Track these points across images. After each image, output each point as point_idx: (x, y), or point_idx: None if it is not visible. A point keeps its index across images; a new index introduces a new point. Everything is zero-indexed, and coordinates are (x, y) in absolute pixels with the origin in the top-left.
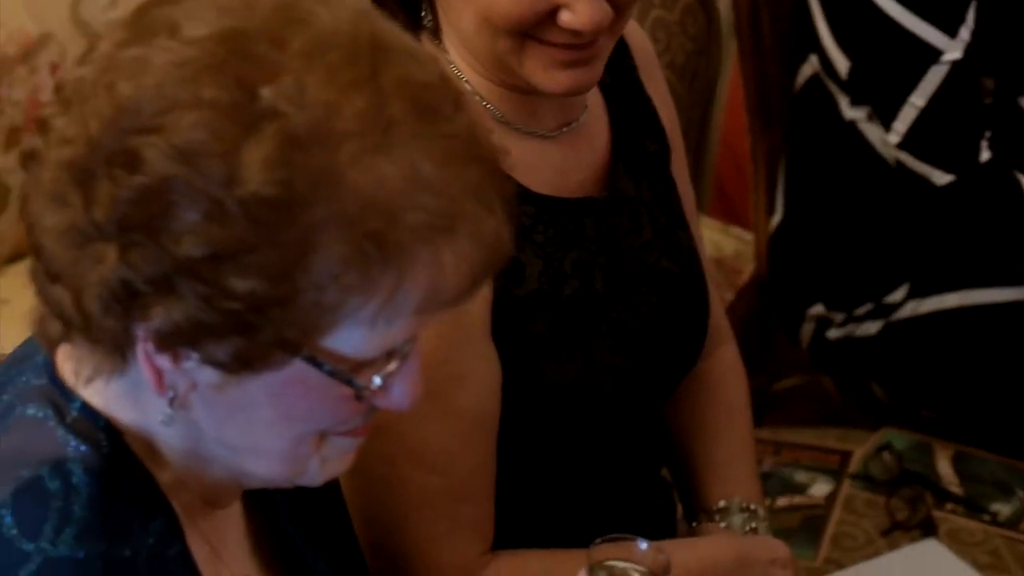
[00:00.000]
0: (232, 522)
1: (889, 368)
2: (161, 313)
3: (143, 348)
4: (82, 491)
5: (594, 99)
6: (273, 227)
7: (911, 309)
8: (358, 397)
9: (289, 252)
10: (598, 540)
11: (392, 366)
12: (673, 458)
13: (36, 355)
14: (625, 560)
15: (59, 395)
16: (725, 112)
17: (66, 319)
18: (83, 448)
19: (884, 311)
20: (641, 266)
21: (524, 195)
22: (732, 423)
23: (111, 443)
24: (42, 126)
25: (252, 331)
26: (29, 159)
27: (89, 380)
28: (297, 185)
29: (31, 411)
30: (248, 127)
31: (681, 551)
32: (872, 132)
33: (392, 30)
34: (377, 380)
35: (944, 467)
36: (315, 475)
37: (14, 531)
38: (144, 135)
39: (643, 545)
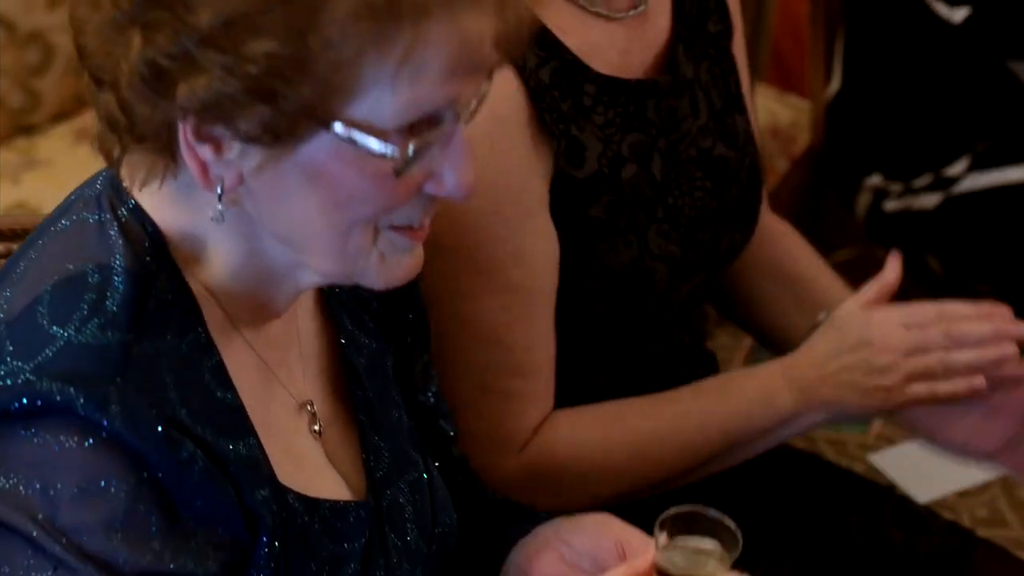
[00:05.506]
0: (294, 342)
1: (946, 242)
2: (186, 90)
3: (184, 140)
4: (119, 289)
5: None
6: None
7: (971, 183)
8: (397, 172)
9: (299, 9)
10: (669, 512)
11: (431, 136)
12: (756, 331)
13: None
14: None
15: (116, 196)
16: None
17: (114, 123)
18: (129, 252)
19: (943, 184)
20: (697, 151)
21: (586, 74)
22: (807, 292)
23: (154, 250)
24: None
25: (275, 98)
26: None
27: (144, 183)
28: None
29: (88, 216)
30: None
31: (738, 378)
32: None
33: None
34: (411, 148)
35: None
36: (374, 274)
37: (46, 319)
38: None
39: (711, 514)
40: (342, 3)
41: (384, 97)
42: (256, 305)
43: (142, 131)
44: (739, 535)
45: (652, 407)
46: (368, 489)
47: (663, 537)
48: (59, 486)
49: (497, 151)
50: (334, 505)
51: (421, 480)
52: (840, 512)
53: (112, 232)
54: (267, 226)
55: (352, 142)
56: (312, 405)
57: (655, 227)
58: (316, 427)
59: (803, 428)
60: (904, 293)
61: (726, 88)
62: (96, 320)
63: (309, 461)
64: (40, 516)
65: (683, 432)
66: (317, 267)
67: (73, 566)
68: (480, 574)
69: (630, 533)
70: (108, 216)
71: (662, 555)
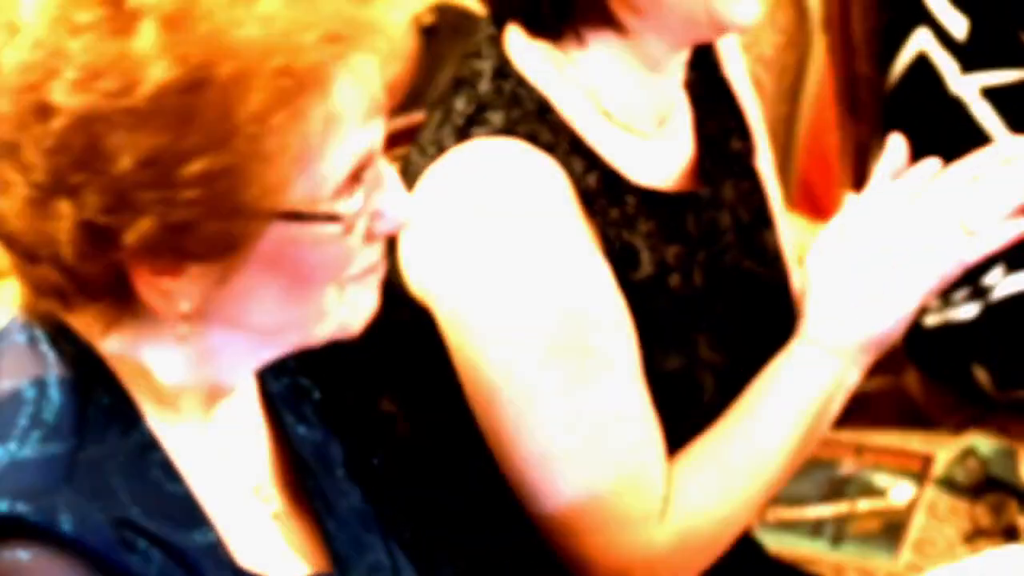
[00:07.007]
0: (240, 427)
1: (992, 350)
2: (133, 236)
3: (143, 281)
4: (56, 400)
5: (680, 98)
6: (191, 106)
7: (1008, 286)
8: (348, 230)
9: (213, 120)
10: None
11: (366, 178)
12: None
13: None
14: None
15: (41, 318)
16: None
17: (59, 292)
18: (62, 364)
19: (981, 292)
20: (730, 266)
21: (625, 186)
22: None
23: (85, 361)
24: None
25: (220, 209)
26: None
27: (103, 334)
28: (192, 59)
29: (18, 336)
30: (127, 32)
31: (780, 372)
32: (980, 109)
33: None
34: (359, 197)
35: None
36: (351, 322)
37: None
38: (45, 82)
39: None
40: (252, 97)
41: (317, 168)
42: (205, 396)
43: (93, 290)
44: None
45: (732, 426)
46: (334, 565)
47: None
48: None
49: (564, 239)
50: None
51: (382, 563)
52: None
53: (43, 348)
54: (241, 327)
55: (302, 220)
56: (263, 489)
57: (703, 337)
58: (272, 508)
59: (855, 379)
60: (934, 423)
61: (753, 204)
62: (37, 432)
63: (268, 543)
64: None
65: (772, 432)
66: (294, 344)
67: None
68: None
69: None
70: (38, 333)
71: None
